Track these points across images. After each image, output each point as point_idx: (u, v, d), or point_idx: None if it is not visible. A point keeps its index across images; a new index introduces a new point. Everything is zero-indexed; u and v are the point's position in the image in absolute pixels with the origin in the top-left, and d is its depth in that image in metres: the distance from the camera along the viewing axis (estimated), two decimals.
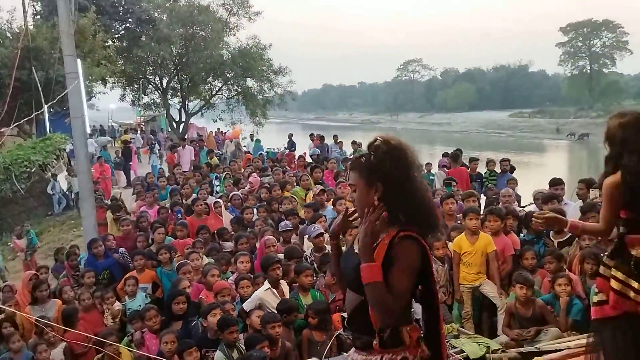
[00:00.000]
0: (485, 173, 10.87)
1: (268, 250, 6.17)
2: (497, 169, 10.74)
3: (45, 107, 17.15)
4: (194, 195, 9.69)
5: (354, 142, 16.33)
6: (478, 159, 11.63)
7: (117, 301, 6.21)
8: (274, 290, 5.35)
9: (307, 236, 6.63)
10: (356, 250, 2.34)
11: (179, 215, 8.66)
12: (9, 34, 22.80)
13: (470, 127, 68.02)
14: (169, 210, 9.07)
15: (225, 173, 11.36)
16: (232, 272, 6.26)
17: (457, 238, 5.83)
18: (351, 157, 12.59)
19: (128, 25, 30.45)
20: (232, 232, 7.77)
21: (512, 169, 10.75)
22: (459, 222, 6.31)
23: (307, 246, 6.51)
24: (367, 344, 2.28)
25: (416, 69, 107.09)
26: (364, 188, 2.33)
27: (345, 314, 2.49)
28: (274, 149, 20.53)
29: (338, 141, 17.45)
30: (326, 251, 6.15)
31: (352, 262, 2.35)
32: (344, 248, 2.57)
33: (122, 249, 7.27)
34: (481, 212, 6.22)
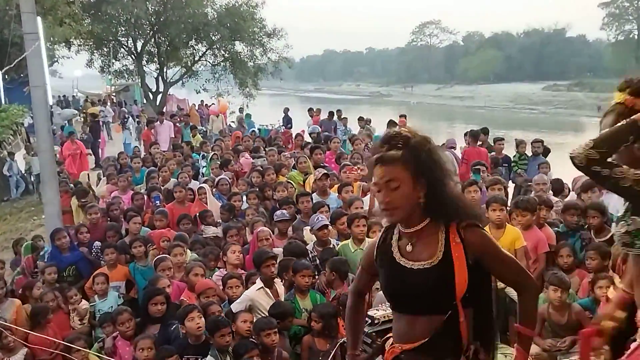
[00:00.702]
0: (514, 156, 10.88)
1: (261, 244, 6.20)
2: (528, 152, 10.74)
3: (0, 73, 17.21)
4: (174, 180, 9.72)
5: (360, 119, 16.29)
6: (504, 140, 11.63)
7: (84, 300, 6.25)
8: (268, 290, 5.38)
9: (308, 228, 6.66)
10: (402, 262, 2.49)
11: (157, 202, 8.69)
12: None
13: (496, 101, 67.80)
14: (145, 197, 9.10)
15: (212, 153, 11.37)
16: (220, 268, 6.29)
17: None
18: (356, 136, 12.60)
19: None
20: (219, 221, 7.82)
21: (547, 152, 10.75)
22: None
23: (308, 239, 6.53)
24: None
25: (434, 32, 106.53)
26: (410, 184, 2.40)
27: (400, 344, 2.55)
28: (266, 125, 20.52)
29: (342, 117, 17.40)
30: (330, 245, 6.18)
31: (410, 280, 2.47)
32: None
33: (97, 243, 7.29)
34: (509, 202, 6.24)
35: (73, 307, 6.17)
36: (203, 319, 4.85)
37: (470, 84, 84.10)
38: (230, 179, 9.45)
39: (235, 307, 5.28)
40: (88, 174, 11.25)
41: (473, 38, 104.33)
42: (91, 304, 6.24)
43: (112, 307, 6.14)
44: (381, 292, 4.94)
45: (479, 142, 11.79)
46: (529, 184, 8.06)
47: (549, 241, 5.88)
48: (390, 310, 2.72)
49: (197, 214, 7.96)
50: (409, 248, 2.50)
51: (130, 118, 23.90)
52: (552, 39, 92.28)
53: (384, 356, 2.64)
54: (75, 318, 6.13)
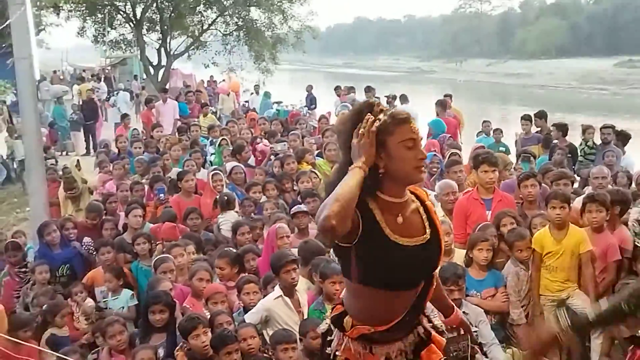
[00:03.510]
0: (579, 145, 10.78)
1: (280, 243, 6.22)
2: (597, 140, 10.63)
3: None
4: (176, 169, 9.82)
5: (393, 97, 16.43)
6: (567, 125, 11.52)
7: (89, 298, 6.36)
8: (287, 299, 5.38)
9: None
10: (396, 240, 2.85)
11: (162, 195, 8.75)
12: None
13: (559, 80, 67.03)
14: (147, 187, 9.20)
15: (221, 138, 11.45)
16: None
17: (539, 233, 5.85)
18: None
19: None
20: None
21: (625, 138, 10.63)
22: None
23: None
24: None
25: None
26: None
27: None
28: (286, 106, 20.58)
29: (375, 96, 17.37)
30: None
31: (409, 256, 2.88)
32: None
33: (87, 239, 7.40)
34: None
35: (77, 304, 6.25)
36: (210, 333, 4.88)
37: (528, 59, 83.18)
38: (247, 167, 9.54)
39: (249, 317, 5.29)
40: (78, 160, 11.35)
41: (532, 4, 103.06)
42: (104, 300, 6.33)
43: (123, 307, 6.25)
44: None
45: (538, 128, 11.78)
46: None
47: (624, 244, 5.83)
48: None
49: (217, 198, 8.04)
50: (399, 220, 2.86)
51: (120, 93, 23.98)
52: (627, 6, 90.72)
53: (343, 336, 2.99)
54: (80, 318, 6.21)
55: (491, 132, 12.84)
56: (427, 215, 2.98)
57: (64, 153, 18.36)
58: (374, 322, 2.90)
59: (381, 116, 2.77)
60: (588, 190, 7.32)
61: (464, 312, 5.10)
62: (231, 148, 10.67)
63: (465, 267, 5.60)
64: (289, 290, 5.40)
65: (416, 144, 2.83)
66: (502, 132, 12.88)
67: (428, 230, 2.93)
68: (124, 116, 17.38)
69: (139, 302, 6.39)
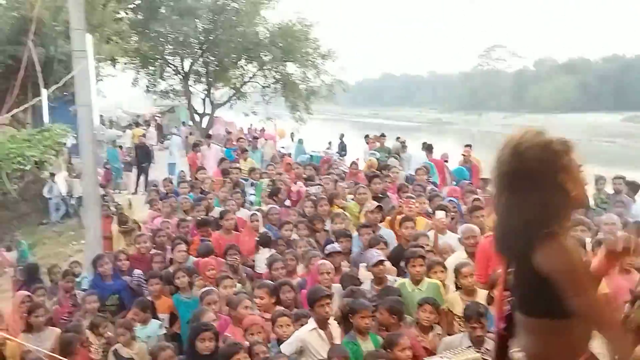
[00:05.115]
0: (593, 195, 10.64)
1: (322, 278, 6.19)
2: (609, 189, 10.50)
3: (45, 92, 17.84)
4: (217, 208, 9.87)
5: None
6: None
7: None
8: (321, 331, 5.35)
9: (364, 265, 6.64)
10: None
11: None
12: (2, 1, 23.70)
13: (571, 132, 66.48)
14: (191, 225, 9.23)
15: (268, 180, 11.49)
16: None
17: None
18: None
19: None
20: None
21: (636, 188, 10.48)
22: None
23: (364, 277, 6.51)
24: None
25: (502, 56, 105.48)
26: None
27: None
28: (319, 152, 20.65)
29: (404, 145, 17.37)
30: (388, 283, 6.14)
31: None
32: None
33: (137, 271, 7.43)
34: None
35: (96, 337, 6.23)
36: None
37: (542, 113, 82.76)
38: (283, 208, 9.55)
39: (285, 348, 5.28)
40: (129, 199, 11.53)
41: (545, 63, 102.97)
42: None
43: (150, 336, 6.23)
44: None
45: None
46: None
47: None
48: None
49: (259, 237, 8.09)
50: None
51: (173, 137, 24.32)
52: (634, 66, 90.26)
53: None
54: (99, 350, 6.17)
55: None
56: None
57: (117, 191, 18.58)
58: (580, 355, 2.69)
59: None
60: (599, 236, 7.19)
61: (486, 349, 5.02)
62: (268, 190, 10.71)
63: (487, 306, 5.52)
64: (323, 323, 5.39)
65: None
66: None
67: None
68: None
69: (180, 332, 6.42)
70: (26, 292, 7.44)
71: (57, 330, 6.31)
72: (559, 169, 2.59)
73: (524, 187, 2.59)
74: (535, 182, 2.58)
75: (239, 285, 6.86)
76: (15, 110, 6.89)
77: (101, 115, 34.66)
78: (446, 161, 14.23)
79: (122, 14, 28.23)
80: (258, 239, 8.27)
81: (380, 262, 6.21)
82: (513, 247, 2.66)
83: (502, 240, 2.75)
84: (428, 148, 14.76)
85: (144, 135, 23.18)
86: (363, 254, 7.05)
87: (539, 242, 2.52)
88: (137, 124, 30.81)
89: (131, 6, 30.98)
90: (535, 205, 2.56)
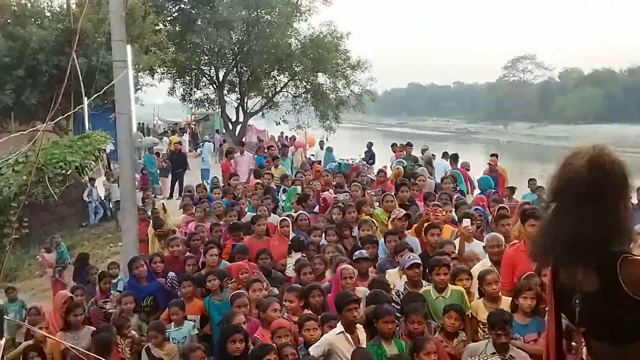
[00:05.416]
0: None
1: (344, 283, 6.17)
2: (634, 200, 10.29)
3: (86, 100, 18.15)
4: (249, 213, 9.88)
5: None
6: None
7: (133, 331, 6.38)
8: (349, 335, 5.31)
9: (393, 270, 6.59)
10: None
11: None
12: (48, 13, 24.14)
13: (596, 143, 65.70)
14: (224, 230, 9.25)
15: (299, 186, 11.49)
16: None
17: None
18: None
19: (182, 6, 31.66)
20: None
21: None
22: None
23: (391, 280, 6.46)
24: None
25: (528, 68, 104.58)
26: None
27: None
28: (347, 160, 20.59)
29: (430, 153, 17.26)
30: (423, 287, 6.08)
31: None
32: None
33: (171, 274, 7.47)
34: None
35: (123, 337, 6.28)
36: None
37: (567, 124, 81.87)
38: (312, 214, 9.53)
39: (313, 350, 5.25)
40: (163, 203, 11.61)
41: (570, 75, 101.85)
42: (167, 331, 6.36)
43: (185, 337, 6.26)
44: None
45: None
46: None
47: None
48: None
49: (291, 241, 8.11)
50: None
51: (205, 144, 24.46)
52: None
53: None
54: (126, 349, 6.23)
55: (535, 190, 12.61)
56: None
57: (153, 196, 18.74)
58: None
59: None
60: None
61: (510, 355, 4.94)
62: (298, 196, 10.69)
63: (511, 313, 5.43)
64: (350, 327, 5.35)
65: None
66: (544, 190, 12.60)
67: None
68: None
69: (211, 334, 6.43)
70: (68, 292, 7.54)
71: (94, 330, 6.37)
72: (630, 187, 2.57)
73: (605, 198, 2.53)
74: (617, 194, 2.54)
75: (274, 289, 6.83)
76: (59, 118, 7.00)
77: (139, 123, 35.22)
78: (468, 169, 14.08)
79: (161, 26, 28.68)
80: (290, 243, 8.25)
81: (416, 265, 6.15)
82: (588, 256, 2.53)
83: (569, 249, 2.58)
84: (453, 157, 14.63)
85: (179, 142, 23.35)
86: (391, 260, 7.02)
87: (623, 262, 2.46)
88: (173, 132, 31.05)
89: (169, 18, 31.41)
90: (615, 215, 2.52)
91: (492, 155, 14.61)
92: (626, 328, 2.48)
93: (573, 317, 2.65)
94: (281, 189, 11.95)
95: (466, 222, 7.31)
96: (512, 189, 12.28)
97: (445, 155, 15.68)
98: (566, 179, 2.61)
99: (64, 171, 16.82)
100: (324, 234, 8.39)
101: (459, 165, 14.05)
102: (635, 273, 2.42)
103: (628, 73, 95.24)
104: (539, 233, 2.82)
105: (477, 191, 12.67)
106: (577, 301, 2.60)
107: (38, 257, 13.48)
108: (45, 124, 7.95)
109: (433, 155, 16.36)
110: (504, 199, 10.85)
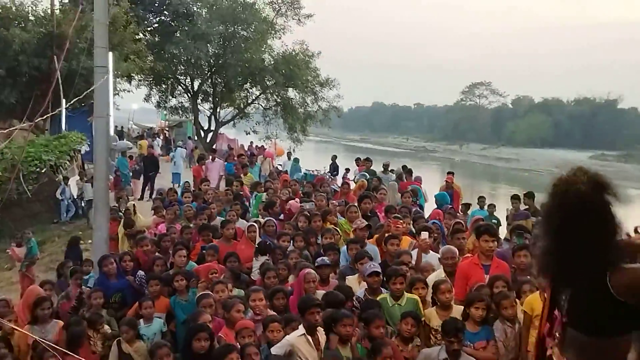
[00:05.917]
0: None
1: (307, 286, 6.13)
2: None
3: (64, 102, 17.78)
4: (219, 218, 9.77)
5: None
6: None
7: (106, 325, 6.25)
8: (309, 337, 5.27)
9: (353, 276, 6.58)
10: None
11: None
12: (32, 17, 23.75)
13: (541, 166, 66.91)
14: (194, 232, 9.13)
15: (266, 193, 11.42)
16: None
17: (530, 297, 5.67)
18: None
19: (163, 18, 31.41)
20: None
21: None
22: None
23: (352, 286, 6.44)
24: None
25: (484, 93, 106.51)
26: None
27: None
28: (312, 170, 20.61)
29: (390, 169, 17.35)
30: (382, 294, 6.07)
31: None
32: None
33: (140, 272, 7.34)
34: None
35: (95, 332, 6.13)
36: None
37: (517, 147, 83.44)
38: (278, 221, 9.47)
39: (275, 350, 5.19)
40: (134, 204, 11.42)
41: (522, 102, 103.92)
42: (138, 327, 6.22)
43: (155, 334, 6.14)
44: None
45: (526, 205, 11.65)
46: None
47: None
48: None
49: (258, 245, 8.02)
50: None
51: (178, 149, 24.22)
52: (603, 109, 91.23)
53: None
54: (98, 342, 6.07)
55: (485, 206, 12.78)
56: None
57: (127, 197, 18.46)
58: None
59: None
60: None
61: None
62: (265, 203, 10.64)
63: (463, 322, 5.46)
64: (311, 330, 5.31)
65: None
66: (495, 207, 12.77)
67: None
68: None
69: (176, 332, 6.32)
70: (38, 288, 7.36)
71: (61, 323, 6.21)
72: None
73: (605, 217, 2.63)
74: (613, 213, 2.64)
75: (237, 290, 6.74)
76: (39, 119, 6.80)
77: (115, 126, 34.75)
78: (420, 182, 14.25)
79: (141, 36, 28.41)
80: (257, 247, 8.18)
81: (376, 273, 6.15)
82: (587, 270, 2.60)
83: (568, 264, 2.66)
84: (408, 171, 14.77)
85: (151, 146, 23.09)
86: (352, 267, 7.01)
87: (617, 269, 2.54)
88: (141, 137, 30.67)
89: (149, 29, 31.19)
90: (614, 232, 2.62)
91: (448, 173, 14.79)
92: (604, 323, 2.56)
93: (562, 308, 2.75)
94: (254, 194, 11.89)
95: (424, 234, 7.34)
96: (467, 205, 12.41)
97: (403, 168, 15.83)
98: (561, 199, 2.75)
99: (38, 169, 16.49)
100: (292, 240, 8.35)
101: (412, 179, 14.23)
102: (623, 280, 2.51)
103: (574, 103, 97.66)
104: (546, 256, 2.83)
105: (429, 204, 12.77)
106: (567, 296, 2.71)
107: (8, 250, 13.13)
108: (26, 123, 7.76)
109: (407, 169, 16.45)
110: (459, 214, 10.95)
